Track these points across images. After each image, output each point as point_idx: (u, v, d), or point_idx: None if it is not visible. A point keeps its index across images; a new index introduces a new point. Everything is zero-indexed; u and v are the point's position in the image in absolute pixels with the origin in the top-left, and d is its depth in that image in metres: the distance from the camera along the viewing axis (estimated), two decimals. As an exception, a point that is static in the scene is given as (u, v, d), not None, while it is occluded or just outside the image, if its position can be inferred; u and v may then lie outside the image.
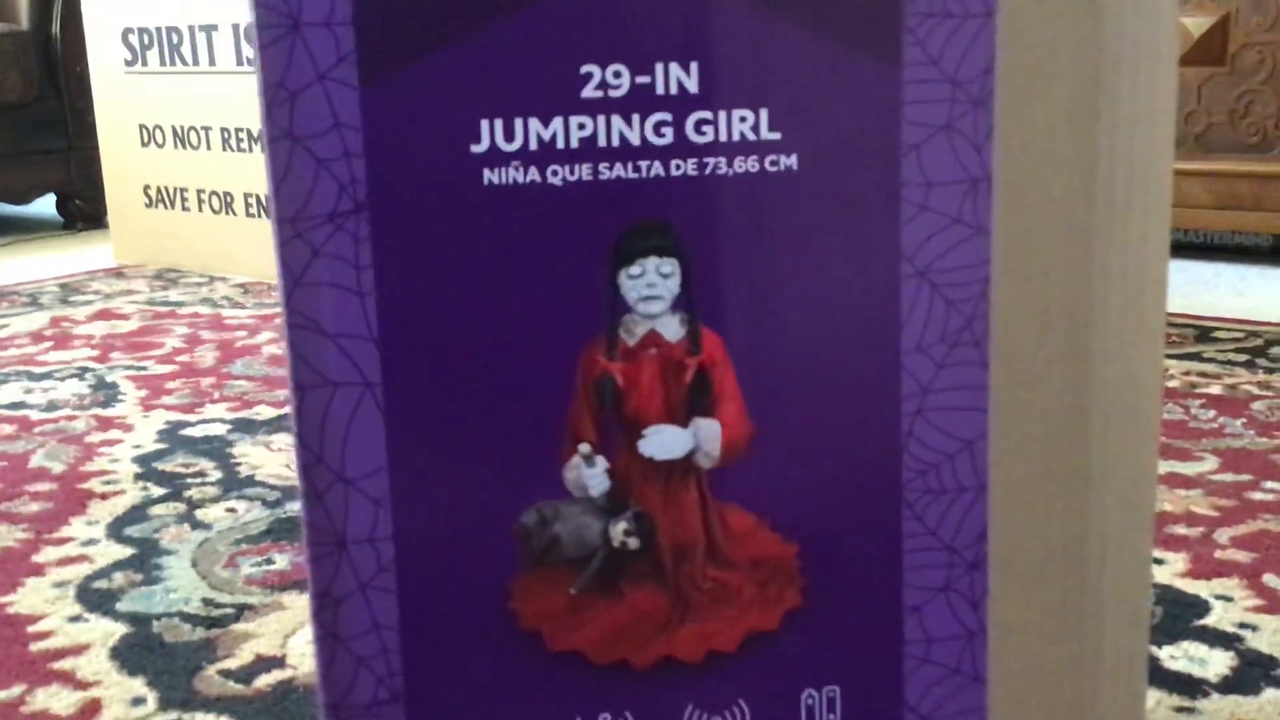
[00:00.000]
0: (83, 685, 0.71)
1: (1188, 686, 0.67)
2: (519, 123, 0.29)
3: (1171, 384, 1.26)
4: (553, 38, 0.29)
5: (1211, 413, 1.16)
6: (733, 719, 0.33)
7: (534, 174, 0.30)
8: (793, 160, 0.31)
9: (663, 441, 0.31)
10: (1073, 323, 0.33)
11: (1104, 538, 0.34)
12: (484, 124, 0.29)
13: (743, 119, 0.30)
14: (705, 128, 0.30)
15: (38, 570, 0.89)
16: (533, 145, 0.29)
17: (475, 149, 0.29)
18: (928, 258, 0.32)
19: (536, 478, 0.31)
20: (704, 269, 0.31)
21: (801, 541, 0.33)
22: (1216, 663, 0.70)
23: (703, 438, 0.32)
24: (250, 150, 1.95)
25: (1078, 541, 0.34)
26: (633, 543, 0.32)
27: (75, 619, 0.81)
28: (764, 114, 0.30)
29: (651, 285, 0.31)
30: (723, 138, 0.30)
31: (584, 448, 0.31)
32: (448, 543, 0.31)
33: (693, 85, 0.30)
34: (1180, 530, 0.90)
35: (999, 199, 0.32)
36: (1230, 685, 0.67)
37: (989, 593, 0.34)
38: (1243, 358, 1.35)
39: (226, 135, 1.96)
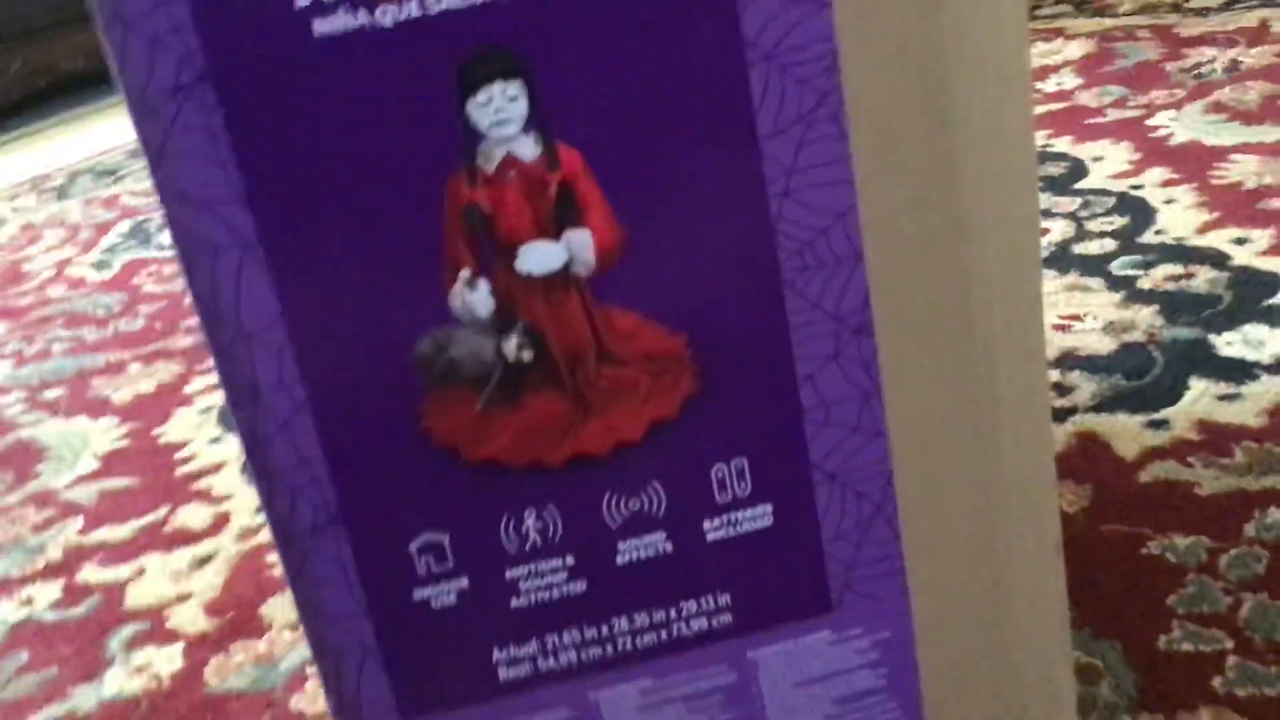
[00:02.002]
0: (216, 500, 0.80)
1: (1237, 372, 0.66)
2: (336, -30, 0.30)
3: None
4: (353, -122, 0.29)
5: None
6: (649, 499, 0.36)
7: (363, 17, 0.30)
8: (619, -37, 0.31)
9: (537, 257, 0.33)
10: (930, 78, 0.33)
11: (988, 287, 0.35)
12: (302, -23, 0.30)
13: (561, -71, 0.30)
14: (525, -56, 0.30)
15: (187, 400, 0.97)
16: (355, -10, 0.30)
17: (299, 2, 0.30)
18: (771, 40, 0.32)
19: (426, 308, 0.33)
20: (549, 85, 0.31)
21: (689, 331, 0.34)
22: (1274, 343, 0.68)
23: (575, 248, 0.33)
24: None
25: (962, 293, 0.35)
26: (526, 355, 0.34)
27: (214, 441, 0.89)
28: (582, -79, 0.30)
29: (499, 110, 0.32)
30: (545, -48, 0.30)
31: (464, 274, 0.33)
32: (354, 378, 0.33)
33: (504, -97, 0.30)
34: (1275, 204, 0.85)
35: (836, -30, 0.31)
36: (1281, 364, 0.65)
37: (879, 353, 0.36)
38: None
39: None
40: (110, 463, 0.87)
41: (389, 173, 0.32)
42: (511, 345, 0.34)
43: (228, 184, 0.31)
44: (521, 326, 0.34)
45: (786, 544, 0.37)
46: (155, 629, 0.67)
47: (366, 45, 0.30)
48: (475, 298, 0.33)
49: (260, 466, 0.34)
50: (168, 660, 0.64)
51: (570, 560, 0.36)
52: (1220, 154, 0.95)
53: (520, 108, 0.32)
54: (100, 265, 1.32)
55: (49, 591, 0.73)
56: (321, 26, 0.30)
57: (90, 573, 0.74)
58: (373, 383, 0.33)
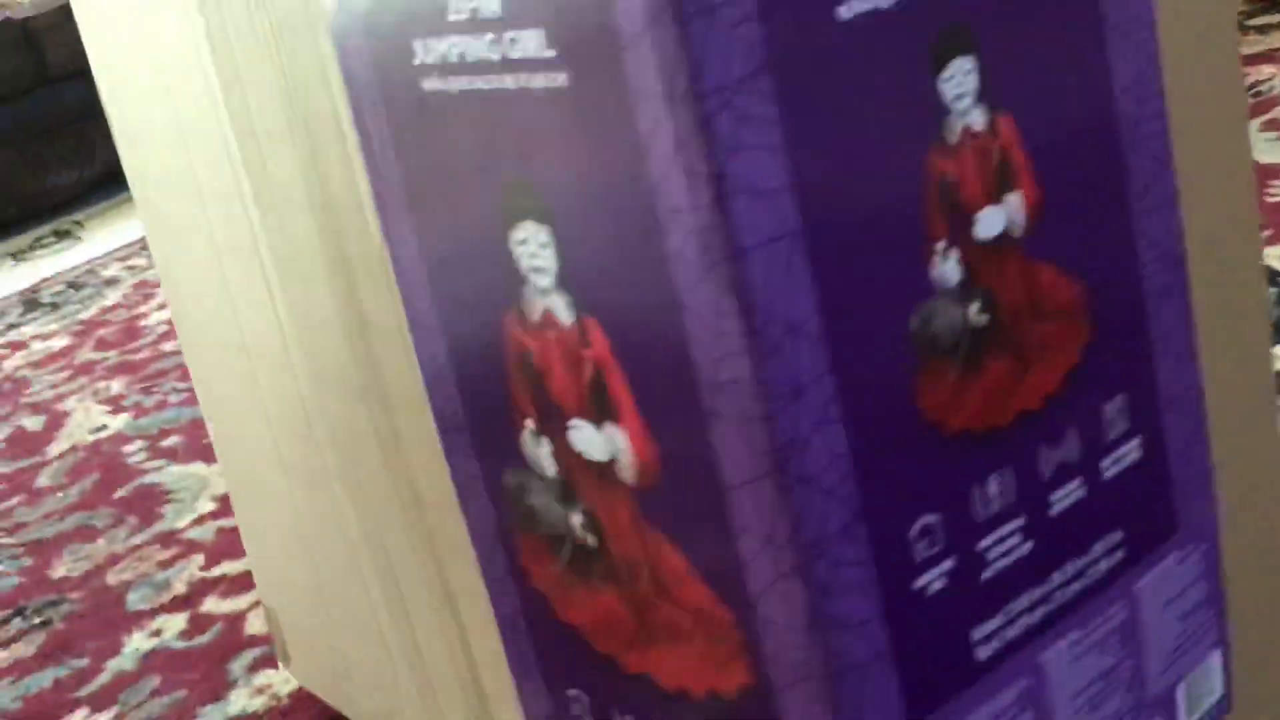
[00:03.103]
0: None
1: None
2: (859, -44, 0.31)
3: None
4: None
5: None
6: (1069, 446, 0.38)
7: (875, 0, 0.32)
8: (1027, -50, 0.35)
9: (989, 220, 0.35)
10: (1211, 46, 0.40)
11: (1240, 218, 0.43)
12: (836, -38, 0.31)
13: (992, -79, 0.34)
14: (970, -66, 0.34)
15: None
16: (867, -24, 0.32)
17: (831, -12, 0.31)
18: (1119, 12, 0.37)
19: (915, 284, 0.34)
20: (993, 60, 0.35)
21: (1084, 278, 0.38)
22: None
23: (1012, 210, 0.36)
24: None
25: (1230, 224, 0.42)
26: (983, 319, 0.36)
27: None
28: (1004, -87, 0.34)
29: (960, 84, 0.34)
30: (981, -59, 0.34)
31: (939, 245, 0.34)
32: (869, 363, 0.33)
33: (957, -103, 0.33)
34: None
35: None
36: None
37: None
38: None
39: None
40: (226, 503, 0.93)
41: (892, 148, 0.33)
42: (974, 310, 0.35)
43: (782, 172, 0.31)
44: (980, 290, 0.35)
45: (1149, 472, 0.41)
46: (273, 654, 0.72)
47: (875, 27, 0.32)
48: (949, 267, 0.35)
49: (793, 473, 0.32)
50: (285, 681, 0.70)
51: (1022, 521, 0.37)
52: (1275, 172, 0.93)
53: (975, 80, 0.34)
54: (206, 319, 1.40)
55: (176, 622, 0.81)
56: (844, 12, 0.31)
57: (212, 604, 0.82)
58: (882, 366, 0.33)
